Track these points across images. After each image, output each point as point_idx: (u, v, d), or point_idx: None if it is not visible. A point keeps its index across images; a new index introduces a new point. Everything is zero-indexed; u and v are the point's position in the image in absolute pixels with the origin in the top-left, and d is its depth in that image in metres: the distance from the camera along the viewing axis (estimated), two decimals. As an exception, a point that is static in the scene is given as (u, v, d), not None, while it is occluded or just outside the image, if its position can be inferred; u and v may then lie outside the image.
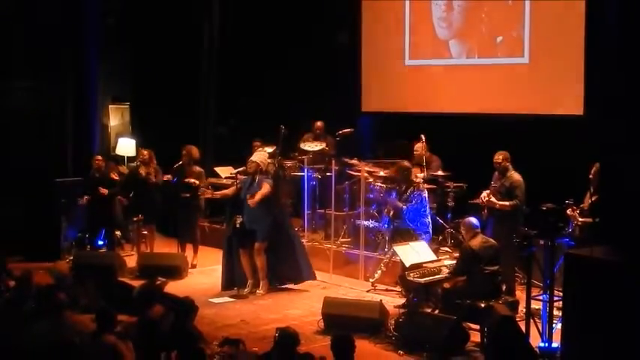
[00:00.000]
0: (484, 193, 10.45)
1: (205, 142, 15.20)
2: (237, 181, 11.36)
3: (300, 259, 11.30)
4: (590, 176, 9.62)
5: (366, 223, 11.67)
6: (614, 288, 7.25)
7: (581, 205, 9.59)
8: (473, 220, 9.45)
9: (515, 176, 10.26)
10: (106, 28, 14.84)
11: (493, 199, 10.19)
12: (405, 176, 10.91)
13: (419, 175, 11.20)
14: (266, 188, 10.89)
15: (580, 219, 9.42)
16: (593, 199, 9.56)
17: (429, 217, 10.91)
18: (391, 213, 11.03)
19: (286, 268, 11.27)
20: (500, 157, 10.30)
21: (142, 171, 12.61)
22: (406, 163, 11.07)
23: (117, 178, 13.05)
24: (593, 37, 11.23)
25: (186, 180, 12.21)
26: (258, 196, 10.82)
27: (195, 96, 15.27)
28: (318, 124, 13.41)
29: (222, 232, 13.24)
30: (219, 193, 11.56)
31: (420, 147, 11.85)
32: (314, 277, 11.39)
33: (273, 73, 14.73)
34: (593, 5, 11.26)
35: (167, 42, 14.97)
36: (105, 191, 12.52)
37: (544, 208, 8.48)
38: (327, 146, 13.04)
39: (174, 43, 14.93)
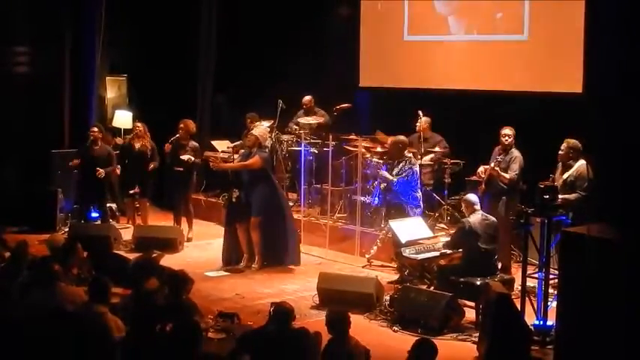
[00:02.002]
0: (481, 168, 10.43)
1: (202, 115, 15.15)
2: (236, 154, 11.34)
3: (289, 242, 11.19)
4: (561, 152, 9.64)
5: (362, 198, 11.65)
6: (610, 266, 7.26)
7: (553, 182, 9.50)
8: (472, 196, 9.44)
9: (516, 152, 10.27)
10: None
11: (498, 169, 10.14)
12: (399, 150, 10.84)
13: (412, 150, 11.18)
14: (254, 160, 10.83)
15: (561, 196, 9.39)
16: (565, 177, 9.58)
17: (420, 192, 10.86)
18: (382, 186, 10.97)
19: (274, 249, 11.16)
20: (511, 131, 10.27)
21: (136, 144, 12.56)
22: (402, 138, 11.00)
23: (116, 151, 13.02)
24: (593, 14, 11.16)
25: (182, 157, 12.16)
26: (235, 164, 10.92)
27: (194, 69, 15.19)
28: (306, 98, 13.35)
29: (218, 206, 13.26)
30: (227, 165, 11.42)
31: (422, 123, 11.79)
32: (298, 263, 11.21)
33: (271, 46, 14.65)
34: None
35: (166, 14, 14.88)
36: (102, 173, 12.36)
37: (541, 186, 8.47)
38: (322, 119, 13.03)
39: (173, 16, 14.84)
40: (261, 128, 11.59)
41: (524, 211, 8.53)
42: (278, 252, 11.18)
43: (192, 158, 12.22)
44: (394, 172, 10.70)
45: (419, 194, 10.77)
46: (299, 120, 13.10)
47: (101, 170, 12.35)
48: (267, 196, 10.96)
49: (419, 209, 10.69)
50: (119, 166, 12.74)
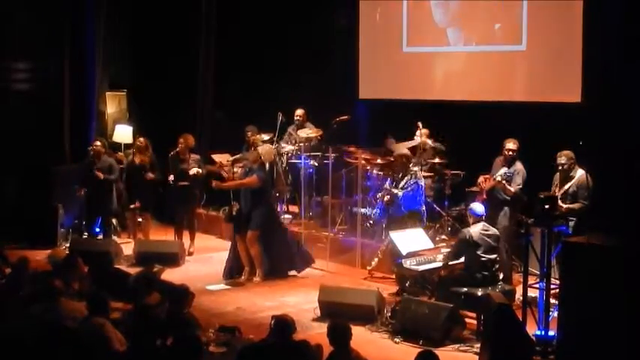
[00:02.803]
0: (481, 178, 10.43)
1: (202, 128, 15.17)
2: (236, 168, 11.37)
3: (291, 250, 11.33)
4: (562, 164, 9.64)
5: (362, 210, 11.64)
6: (610, 275, 7.26)
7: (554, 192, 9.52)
8: (477, 206, 9.42)
9: (519, 165, 10.27)
10: (104, 16, 14.76)
11: (505, 183, 10.14)
12: (403, 164, 10.88)
13: (415, 163, 11.20)
14: (251, 180, 10.91)
15: (564, 205, 9.39)
16: (567, 187, 9.57)
17: (424, 207, 10.88)
18: (385, 199, 10.98)
19: (277, 261, 11.24)
20: (515, 146, 10.26)
21: (137, 159, 12.58)
22: (407, 152, 11.06)
23: (122, 165, 13.05)
24: (592, 25, 11.19)
25: (191, 173, 12.16)
26: (233, 183, 11.09)
27: (193, 84, 15.22)
28: (299, 112, 13.36)
29: (219, 220, 13.28)
30: (226, 185, 11.39)
31: (422, 134, 11.81)
32: (309, 264, 11.38)
33: (270, 60, 14.68)
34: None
35: (165, 29, 14.92)
36: (100, 174, 12.41)
37: (541, 196, 8.46)
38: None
39: (173, 30, 14.88)
40: (267, 148, 11.61)
41: (524, 222, 8.52)
42: (282, 263, 11.25)
43: (200, 170, 12.23)
44: (400, 186, 10.73)
45: (422, 208, 10.79)
46: (299, 133, 13.09)
47: (99, 173, 12.36)
48: (264, 212, 11.01)
49: (421, 223, 10.69)
50: (122, 181, 12.78)
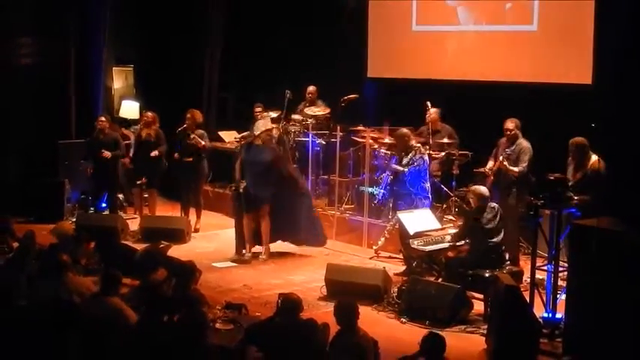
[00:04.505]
0: (490, 164, 10.40)
1: (209, 105, 15.12)
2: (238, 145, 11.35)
3: (302, 220, 11.19)
4: (573, 152, 9.56)
5: (369, 189, 11.61)
6: (619, 258, 7.24)
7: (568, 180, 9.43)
8: (483, 189, 9.33)
9: (525, 143, 10.18)
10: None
11: (506, 163, 10.10)
12: (403, 143, 10.84)
13: (420, 140, 11.16)
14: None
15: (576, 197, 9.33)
16: (579, 176, 9.47)
17: (429, 183, 10.84)
18: (390, 177, 10.95)
19: (289, 226, 11.17)
20: (512, 124, 10.22)
21: (143, 133, 12.53)
22: (405, 130, 10.99)
23: (128, 141, 13.03)
24: (603, 5, 11.12)
25: (192, 139, 12.10)
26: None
27: (200, 59, 15.15)
28: (310, 88, 13.30)
29: (226, 197, 13.25)
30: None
31: (432, 114, 11.76)
32: (320, 244, 11.30)
33: (278, 37, 14.61)
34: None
35: (172, 3, 14.84)
36: (108, 154, 12.45)
37: (551, 178, 8.42)
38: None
39: (180, 5, 14.80)
40: (266, 121, 11.44)
41: (533, 204, 8.47)
42: (298, 231, 11.20)
43: (203, 142, 12.16)
44: (404, 162, 10.69)
45: (427, 185, 10.75)
46: (306, 111, 13.04)
47: (107, 152, 12.36)
48: (276, 186, 10.93)
49: (427, 200, 10.67)
50: (129, 156, 12.76)
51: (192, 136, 12.11)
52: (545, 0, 12.00)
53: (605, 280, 7.32)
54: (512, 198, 10.12)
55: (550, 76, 11.91)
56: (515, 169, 10.08)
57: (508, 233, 9.43)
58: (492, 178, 10.29)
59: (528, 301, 8.18)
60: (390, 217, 11.22)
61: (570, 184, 8.98)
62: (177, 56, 14.89)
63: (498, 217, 9.07)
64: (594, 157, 9.46)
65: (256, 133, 10.96)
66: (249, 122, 12.53)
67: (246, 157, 11.02)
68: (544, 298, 8.42)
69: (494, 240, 9.02)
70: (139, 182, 12.68)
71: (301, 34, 14.36)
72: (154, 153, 12.35)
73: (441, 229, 9.78)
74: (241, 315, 7.98)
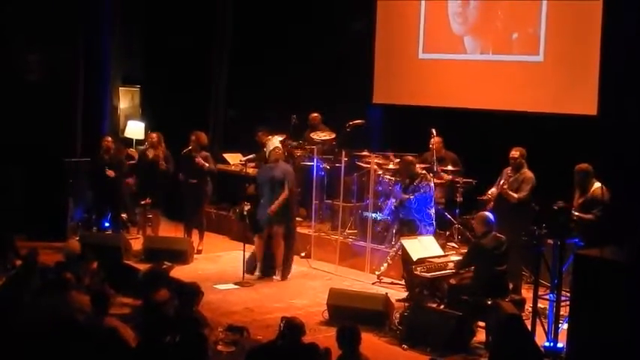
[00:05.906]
0: (492, 190, 10.43)
1: (215, 127, 15.17)
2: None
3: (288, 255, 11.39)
4: (579, 178, 9.64)
5: (373, 215, 11.63)
6: (622, 289, 7.24)
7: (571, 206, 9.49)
8: (489, 215, 9.33)
9: (528, 173, 10.25)
10: (119, 10, 14.75)
11: (506, 187, 10.13)
12: (408, 170, 10.88)
13: (425, 166, 11.20)
14: (285, 193, 11.03)
15: (576, 213, 9.36)
16: (581, 200, 9.56)
17: (434, 210, 10.87)
18: (395, 203, 10.98)
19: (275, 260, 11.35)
20: (517, 153, 10.28)
21: (150, 154, 12.57)
22: (410, 158, 11.05)
23: (133, 161, 13.06)
24: (610, 37, 11.17)
25: (197, 160, 12.13)
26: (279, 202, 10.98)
27: (206, 81, 15.22)
28: (313, 115, 13.39)
29: (229, 219, 13.28)
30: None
31: (435, 142, 11.82)
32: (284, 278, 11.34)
33: (285, 62, 14.67)
34: (611, 5, 11.20)
35: (178, 25, 14.93)
36: (112, 173, 12.47)
37: (555, 207, 8.43)
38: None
39: (186, 27, 14.88)
40: (275, 141, 11.56)
41: (536, 233, 8.48)
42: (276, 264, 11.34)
43: (206, 164, 12.19)
44: (410, 189, 10.72)
45: (432, 211, 10.78)
46: (312, 135, 13.10)
47: (110, 171, 12.39)
48: (288, 210, 11.17)
49: (431, 227, 10.69)
50: (133, 177, 12.78)
51: (196, 158, 12.15)
52: (552, 31, 12.06)
53: (607, 310, 7.32)
54: (513, 226, 10.12)
55: (555, 106, 11.93)
56: (515, 195, 10.11)
57: (511, 262, 9.43)
58: (493, 203, 10.33)
59: (530, 329, 8.17)
60: (393, 242, 11.23)
61: (573, 209, 9.03)
62: (184, 77, 14.94)
63: (505, 245, 9.08)
64: (597, 184, 9.50)
65: (267, 151, 11.13)
66: (254, 145, 12.59)
67: (261, 178, 11.15)
68: (546, 327, 8.41)
69: (500, 268, 9.01)
70: (143, 202, 12.70)
71: (307, 60, 14.42)
72: (163, 165, 12.36)
73: (444, 256, 9.79)
74: (243, 337, 7.98)
